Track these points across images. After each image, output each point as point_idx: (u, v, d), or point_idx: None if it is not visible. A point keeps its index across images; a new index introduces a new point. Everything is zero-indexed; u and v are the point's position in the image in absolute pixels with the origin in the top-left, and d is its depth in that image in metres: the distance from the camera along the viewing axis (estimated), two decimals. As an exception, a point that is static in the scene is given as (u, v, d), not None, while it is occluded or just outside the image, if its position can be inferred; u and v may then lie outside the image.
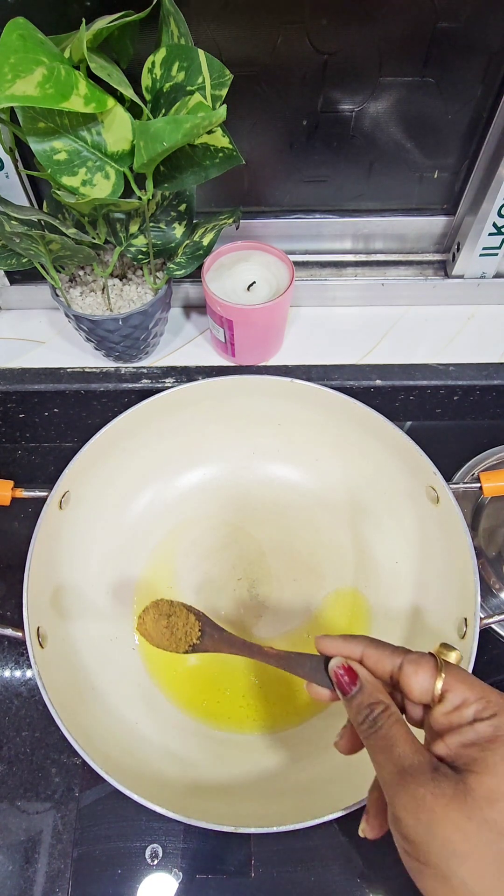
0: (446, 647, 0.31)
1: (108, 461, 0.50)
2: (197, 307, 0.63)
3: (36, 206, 0.53)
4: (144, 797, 0.34)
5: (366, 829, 0.31)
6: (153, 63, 0.39)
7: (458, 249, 0.58)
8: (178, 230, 0.50)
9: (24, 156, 0.50)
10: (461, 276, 0.60)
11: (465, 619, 0.40)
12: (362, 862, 0.43)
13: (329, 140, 0.52)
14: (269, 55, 0.46)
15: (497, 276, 0.61)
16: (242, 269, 0.54)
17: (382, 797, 0.28)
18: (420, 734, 0.29)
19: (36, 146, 0.38)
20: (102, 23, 0.37)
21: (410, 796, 0.24)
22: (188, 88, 0.39)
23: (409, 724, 0.28)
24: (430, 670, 0.28)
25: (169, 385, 0.57)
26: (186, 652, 0.38)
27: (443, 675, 0.28)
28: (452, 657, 0.30)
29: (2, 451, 0.63)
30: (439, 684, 0.27)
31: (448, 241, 0.61)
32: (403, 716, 0.29)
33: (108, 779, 0.34)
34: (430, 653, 0.30)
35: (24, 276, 0.60)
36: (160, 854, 0.43)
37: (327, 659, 0.32)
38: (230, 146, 0.41)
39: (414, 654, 0.29)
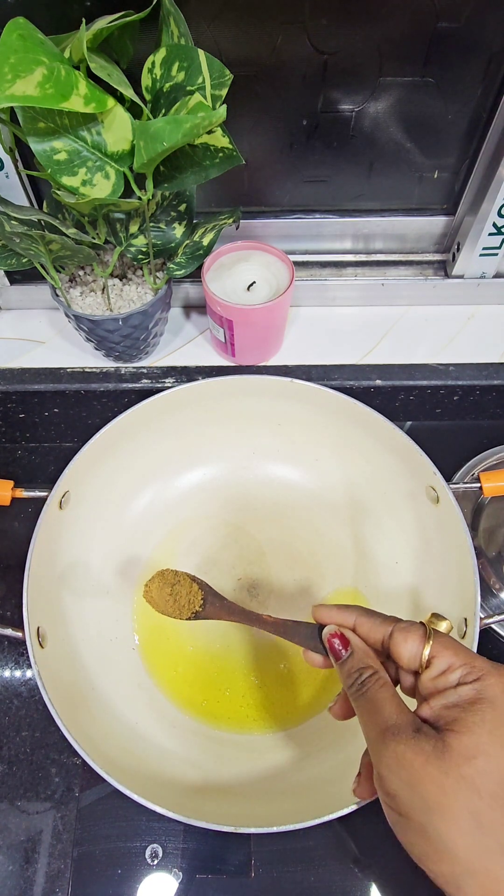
0: (437, 616, 0.32)
1: (108, 461, 0.50)
2: (197, 307, 0.63)
3: (36, 206, 0.53)
4: (144, 797, 0.34)
5: (357, 790, 0.33)
6: (153, 63, 0.39)
7: (458, 249, 0.58)
8: (178, 230, 0.50)
9: (24, 156, 0.50)
10: (461, 276, 0.60)
11: (465, 619, 0.40)
12: (362, 862, 0.43)
13: (329, 140, 0.52)
14: (269, 55, 0.46)
15: (497, 276, 0.61)
16: (242, 269, 0.54)
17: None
18: (413, 704, 0.29)
19: (36, 146, 0.38)
20: (102, 23, 0.37)
21: (392, 753, 0.26)
22: (188, 88, 0.39)
23: (398, 691, 0.29)
24: (419, 638, 0.29)
25: (169, 385, 0.57)
26: (189, 618, 0.39)
27: (430, 642, 0.29)
28: (443, 626, 0.31)
29: (2, 451, 0.63)
30: (427, 651, 0.28)
31: (448, 241, 0.61)
32: (398, 687, 0.30)
33: (108, 779, 0.34)
34: (420, 622, 0.31)
35: (24, 276, 0.60)
36: (160, 854, 0.43)
37: (322, 627, 0.34)
38: (230, 146, 0.41)
39: (404, 622, 0.31)
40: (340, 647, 0.32)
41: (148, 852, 0.43)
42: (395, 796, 0.25)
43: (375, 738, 0.27)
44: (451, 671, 0.27)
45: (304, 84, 0.48)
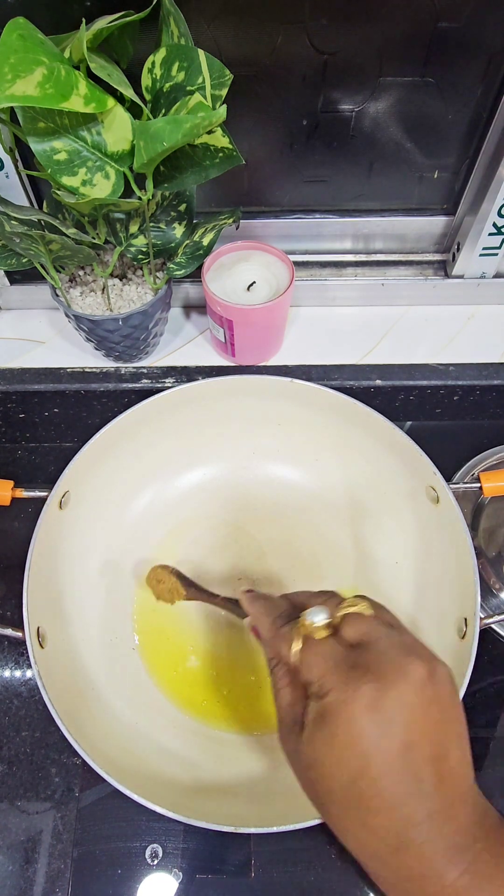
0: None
1: (108, 461, 0.50)
2: (197, 307, 0.63)
3: (36, 206, 0.53)
4: (144, 797, 0.34)
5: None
6: (153, 63, 0.39)
7: (458, 249, 0.58)
8: (178, 230, 0.50)
9: (24, 156, 0.50)
10: (461, 276, 0.60)
11: (465, 619, 0.40)
12: (362, 862, 0.43)
13: (329, 140, 0.52)
14: (269, 55, 0.46)
15: (497, 276, 0.61)
16: (242, 269, 0.54)
17: None
18: None
19: (36, 146, 0.38)
20: (102, 23, 0.37)
21: (281, 736, 0.31)
22: (188, 88, 0.39)
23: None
24: (289, 647, 0.31)
25: (169, 385, 0.57)
26: (180, 600, 0.46)
27: (296, 652, 0.30)
28: (317, 618, 0.31)
29: (2, 451, 0.63)
30: (294, 658, 0.30)
31: (448, 241, 0.61)
32: None
33: (108, 779, 0.35)
34: (299, 622, 0.31)
35: (24, 276, 0.60)
36: (160, 854, 0.43)
37: None
38: (230, 146, 0.41)
39: (284, 628, 0.32)
40: (257, 636, 0.35)
41: (148, 852, 0.43)
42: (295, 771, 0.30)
43: (277, 717, 0.32)
44: (311, 684, 0.29)
45: (304, 84, 0.48)
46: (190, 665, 0.48)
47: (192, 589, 0.46)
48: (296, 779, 0.30)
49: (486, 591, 0.52)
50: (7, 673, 0.50)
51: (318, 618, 0.31)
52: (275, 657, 0.32)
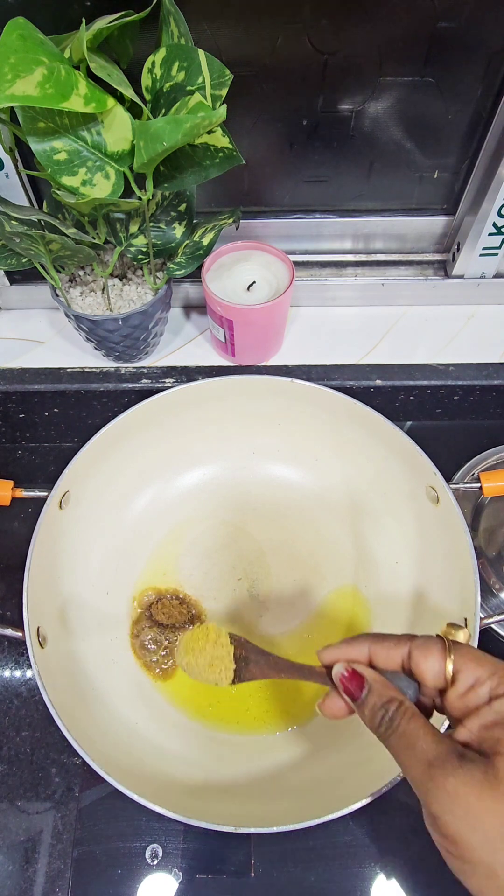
0: (453, 626, 0.30)
1: (108, 461, 0.50)
2: (197, 307, 0.63)
3: (36, 206, 0.53)
4: (144, 797, 0.34)
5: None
6: (153, 63, 0.39)
7: (458, 249, 0.58)
8: (178, 230, 0.50)
9: (24, 156, 0.50)
10: (461, 276, 0.60)
11: (465, 619, 0.40)
12: (362, 862, 0.43)
13: (329, 140, 0.52)
14: (269, 55, 0.46)
15: (497, 276, 0.61)
16: (242, 269, 0.54)
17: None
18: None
19: (36, 146, 0.38)
20: (102, 23, 0.37)
21: (442, 790, 0.23)
22: (188, 88, 0.39)
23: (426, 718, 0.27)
24: (439, 653, 0.27)
25: (169, 385, 0.57)
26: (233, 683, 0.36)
27: (452, 656, 0.27)
28: (461, 636, 0.29)
29: (2, 451, 0.63)
30: (450, 666, 0.27)
31: (448, 241, 0.61)
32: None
33: (108, 779, 0.34)
34: (437, 635, 0.29)
35: (24, 276, 0.60)
36: (160, 854, 0.43)
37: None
38: (230, 146, 0.41)
39: (420, 638, 0.29)
40: (356, 687, 0.29)
41: (148, 852, 0.43)
42: (455, 840, 0.23)
43: (420, 775, 0.24)
44: (480, 685, 0.26)
45: (304, 84, 0.48)
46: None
47: (261, 660, 0.36)
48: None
49: (486, 591, 0.52)
50: (7, 673, 0.50)
51: (462, 627, 0.29)
52: (392, 700, 0.27)
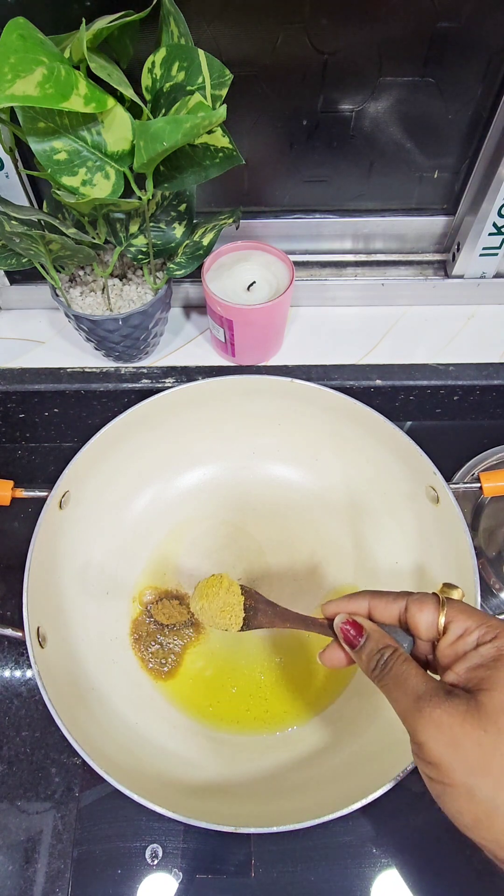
0: (448, 586, 0.32)
1: (108, 461, 0.50)
2: (197, 307, 0.63)
3: (36, 206, 0.53)
4: (144, 797, 0.34)
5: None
6: (153, 63, 0.39)
7: (458, 249, 0.58)
8: (178, 230, 0.50)
9: (24, 156, 0.50)
10: (461, 276, 0.60)
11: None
12: (362, 861, 0.43)
13: (329, 140, 0.52)
14: (269, 55, 0.46)
15: (497, 276, 0.61)
16: (242, 269, 0.54)
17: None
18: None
19: (36, 146, 0.38)
20: (102, 23, 0.37)
21: (428, 719, 0.25)
22: (188, 88, 0.39)
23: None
24: (434, 606, 0.30)
25: (169, 385, 0.57)
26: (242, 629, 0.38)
27: (444, 609, 0.29)
28: (455, 594, 0.31)
29: (2, 451, 0.63)
30: (442, 618, 0.29)
31: (448, 241, 0.61)
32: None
33: (108, 779, 0.34)
34: (433, 592, 0.31)
35: (24, 276, 0.60)
36: (160, 854, 0.43)
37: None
38: (230, 146, 0.41)
39: (416, 594, 0.31)
40: (355, 635, 0.32)
41: (148, 852, 0.43)
42: (437, 764, 0.25)
43: (409, 708, 0.27)
44: (468, 634, 0.28)
45: (304, 84, 0.48)
46: (188, 665, 0.48)
47: (268, 610, 0.39)
48: (414, 760, 0.27)
49: (486, 591, 0.52)
50: (7, 673, 0.50)
51: (457, 587, 0.31)
52: (387, 646, 0.30)
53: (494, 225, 0.54)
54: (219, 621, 0.37)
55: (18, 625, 0.40)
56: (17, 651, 0.51)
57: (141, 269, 0.53)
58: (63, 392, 0.57)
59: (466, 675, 0.27)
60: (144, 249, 0.49)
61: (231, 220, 0.50)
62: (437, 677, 0.29)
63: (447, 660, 0.29)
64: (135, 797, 0.34)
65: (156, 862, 0.43)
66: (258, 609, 0.38)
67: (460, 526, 0.43)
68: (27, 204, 0.53)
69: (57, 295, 0.50)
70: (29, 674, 0.50)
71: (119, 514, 0.53)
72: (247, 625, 0.38)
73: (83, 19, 0.36)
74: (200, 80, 0.39)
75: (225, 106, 0.37)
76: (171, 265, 0.50)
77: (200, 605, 0.38)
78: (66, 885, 0.42)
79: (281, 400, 0.52)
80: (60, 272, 0.53)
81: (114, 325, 0.50)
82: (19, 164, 0.46)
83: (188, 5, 0.41)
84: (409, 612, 0.31)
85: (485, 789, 0.24)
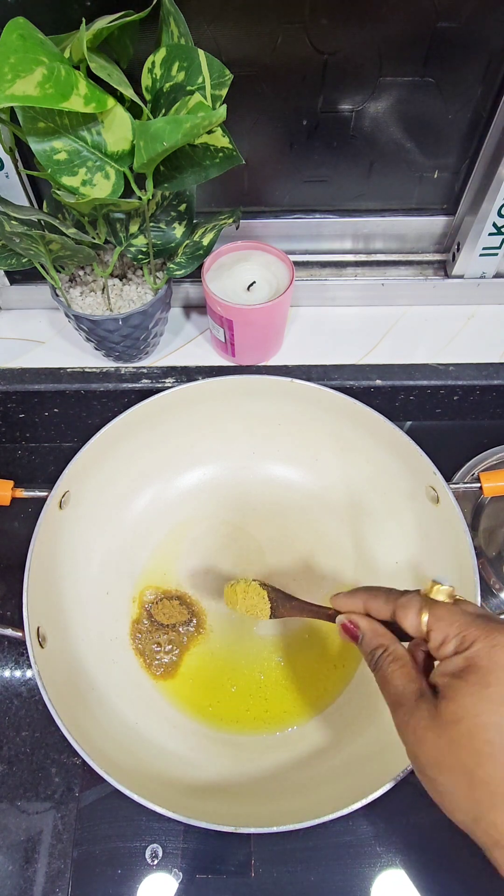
0: (437, 583, 0.33)
1: (108, 461, 0.50)
2: (197, 307, 0.63)
3: (36, 206, 0.53)
4: (144, 797, 0.34)
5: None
6: (153, 63, 0.39)
7: (458, 249, 0.58)
8: (178, 230, 0.50)
9: (24, 156, 0.50)
10: (461, 276, 0.60)
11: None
12: (362, 861, 0.43)
13: (329, 140, 0.52)
14: (269, 55, 0.46)
15: (497, 276, 0.61)
16: (242, 269, 0.54)
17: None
18: None
19: (36, 146, 0.38)
20: (102, 23, 0.37)
21: (401, 721, 0.29)
22: (188, 88, 0.39)
23: (411, 660, 0.32)
24: (416, 612, 0.31)
25: (169, 385, 0.57)
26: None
27: (425, 615, 0.30)
28: (441, 594, 0.32)
29: (2, 451, 0.63)
30: (423, 625, 0.30)
31: (448, 241, 0.61)
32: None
33: (108, 779, 0.34)
34: (418, 591, 0.32)
35: (24, 276, 0.60)
36: (160, 854, 0.43)
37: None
38: (230, 146, 0.41)
39: (404, 597, 0.32)
40: (353, 634, 0.34)
41: (148, 852, 0.43)
42: (415, 757, 0.28)
43: (391, 706, 0.30)
44: (447, 643, 0.29)
45: (304, 84, 0.48)
46: (188, 665, 0.48)
47: (285, 606, 0.43)
48: (409, 758, 0.29)
49: (486, 591, 0.52)
50: (7, 673, 0.50)
51: (444, 584, 0.32)
52: (379, 646, 0.32)
53: (494, 225, 0.54)
54: (250, 612, 0.42)
55: (18, 625, 0.40)
56: (17, 651, 0.51)
57: (141, 269, 0.53)
58: (63, 392, 0.57)
59: (440, 680, 0.29)
60: (144, 249, 0.49)
61: (231, 220, 0.50)
62: (435, 672, 0.30)
63: (436, 658, 0.30)
64: (135, 797, 0.34)
65: (156, 862, 0.43)
66: (279, 601, 0.42)
67: (460, 526, 0.43)
68: (27, 204, 0.53)
69: (57, 295, 0.50)
70: (29, 674, 0.50)
71: (119, 514, 0.53)
72: (273, 614, 0.42)
73: (83, 19, 0.36)
74: (200, 80, 0.39)
75: (225, 106, 0.37)
76: (171, 265, 0.50)
77: (235, 602, 0.43)
78: (66, 885, 0.42)
79: (281, 400, 0.52)
80: (60, 272, 0.53)
81: (114, 325, 0.50)
82: (19, 164, 0.46)
83: (188, 5, 0.41)
84: (397, 616, 0.32)
85: (445, 784, 0.27)
